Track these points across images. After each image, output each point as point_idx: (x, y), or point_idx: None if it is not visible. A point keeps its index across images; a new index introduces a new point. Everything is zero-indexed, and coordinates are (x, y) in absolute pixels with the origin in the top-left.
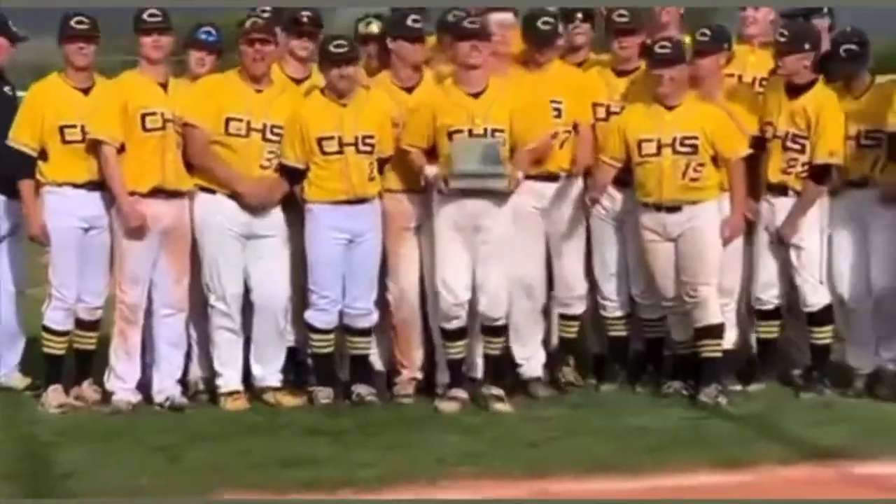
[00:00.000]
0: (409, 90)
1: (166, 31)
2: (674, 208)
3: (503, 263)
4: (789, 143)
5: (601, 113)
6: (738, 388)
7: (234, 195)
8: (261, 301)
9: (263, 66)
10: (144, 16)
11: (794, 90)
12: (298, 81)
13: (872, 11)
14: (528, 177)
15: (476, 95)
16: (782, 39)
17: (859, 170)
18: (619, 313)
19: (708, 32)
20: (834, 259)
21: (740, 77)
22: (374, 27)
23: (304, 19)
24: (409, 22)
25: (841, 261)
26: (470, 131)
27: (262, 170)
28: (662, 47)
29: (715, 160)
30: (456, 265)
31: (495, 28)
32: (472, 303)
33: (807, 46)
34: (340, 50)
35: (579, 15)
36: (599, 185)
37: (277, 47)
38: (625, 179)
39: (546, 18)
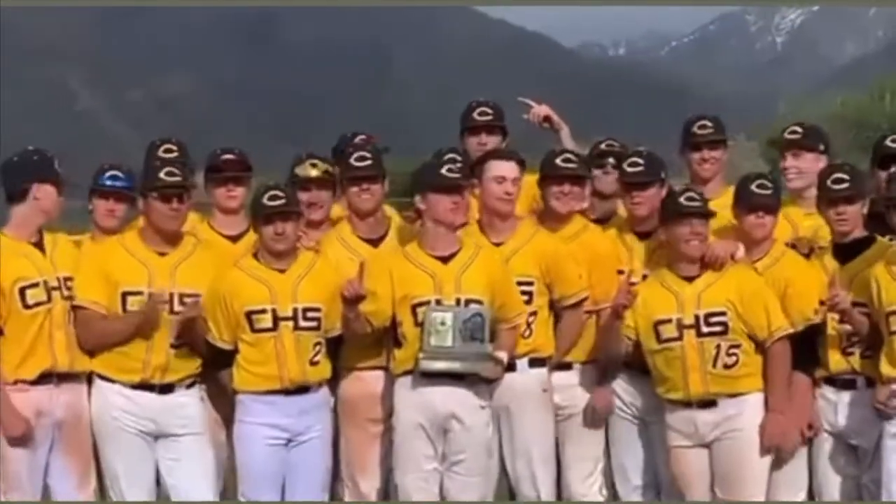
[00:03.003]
0: (375, 242)
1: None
2: (707, 403)
3: (482, 472)
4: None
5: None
6: None
7: (139, 386)
8: None
9: (178, 224)
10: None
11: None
12: (233, 239)
13: None
14: (535, 362)
15: (445, 259)
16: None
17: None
18: None
19: (769, 185)
20: None
21: (793, 245)
22: (314, 171)
23: (224, 164)
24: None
25: None
26: (438, 302)
27: (173, 349)
28: (690, 199)
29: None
30: (419, 475)
31: (495, 182)
32: None
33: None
34: (275, 203)
35: (611, 160)
36: (612, 363)
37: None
38: (646, 368)
39: (567, 156)
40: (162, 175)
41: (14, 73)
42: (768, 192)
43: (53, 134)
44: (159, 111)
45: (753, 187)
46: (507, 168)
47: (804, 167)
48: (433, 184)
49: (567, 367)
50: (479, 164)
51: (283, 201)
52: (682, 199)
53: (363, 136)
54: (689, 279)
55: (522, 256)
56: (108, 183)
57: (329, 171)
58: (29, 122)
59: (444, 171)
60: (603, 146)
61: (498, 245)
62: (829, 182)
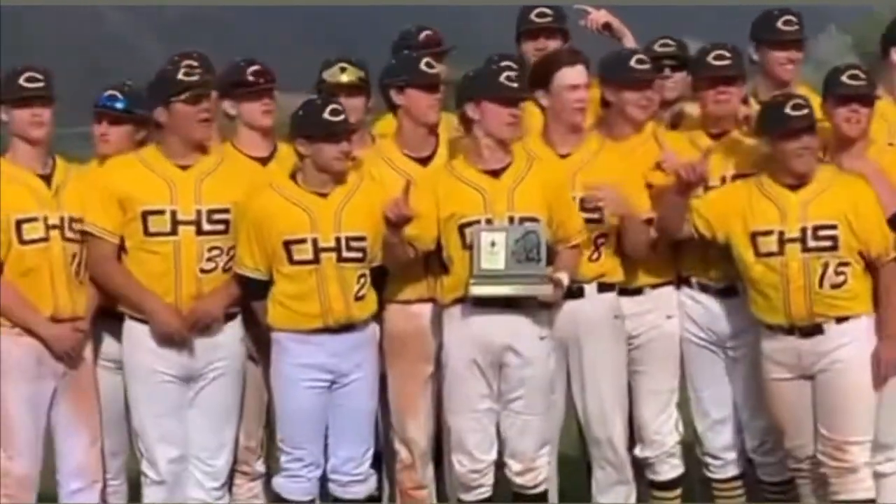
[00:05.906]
0: (424, 161)
1: (49, 100)
2: (811, 330)
3: (543, 411)
4: None
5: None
6: None
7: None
8: (192, 469)
9: (206, 131)
10: (21, 80)
11: None
12: (263, 161)
13: None
14: (605, 287)
15: (495, 174)
16: None
17: None
18: (729, 474)
19: (862, 75)
20: None
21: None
22: (345, 76)
23: (250, 77)
24: (422, 66)
25: None
26: (488, 221)
27: (203, 274)
28: (797, 107)
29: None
30: (473, 416)
31: (567, 91)
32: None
33: None
34: (339, 118)
35: (668, 62)
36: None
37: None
38: (728, 287)
39: (640, 57)
40: (180, 76)
41: None
42: (863, 81)
43: (82, 57)
44: (198, 29)
45: (845, 78)
46: (578, 74)
47: None
48: (491, 93)
49: (637, 292)
50: (542, 70)
51: (344, 116)
52: (788, 110)
53: (428, 32)
54: (794, 187)
55: (590, 171)
56: (105, 103)
57: (362, 78)
58: (56, 46)
59: (503, 79)
60: (657, 48)
61: (563, 157)
62: None
